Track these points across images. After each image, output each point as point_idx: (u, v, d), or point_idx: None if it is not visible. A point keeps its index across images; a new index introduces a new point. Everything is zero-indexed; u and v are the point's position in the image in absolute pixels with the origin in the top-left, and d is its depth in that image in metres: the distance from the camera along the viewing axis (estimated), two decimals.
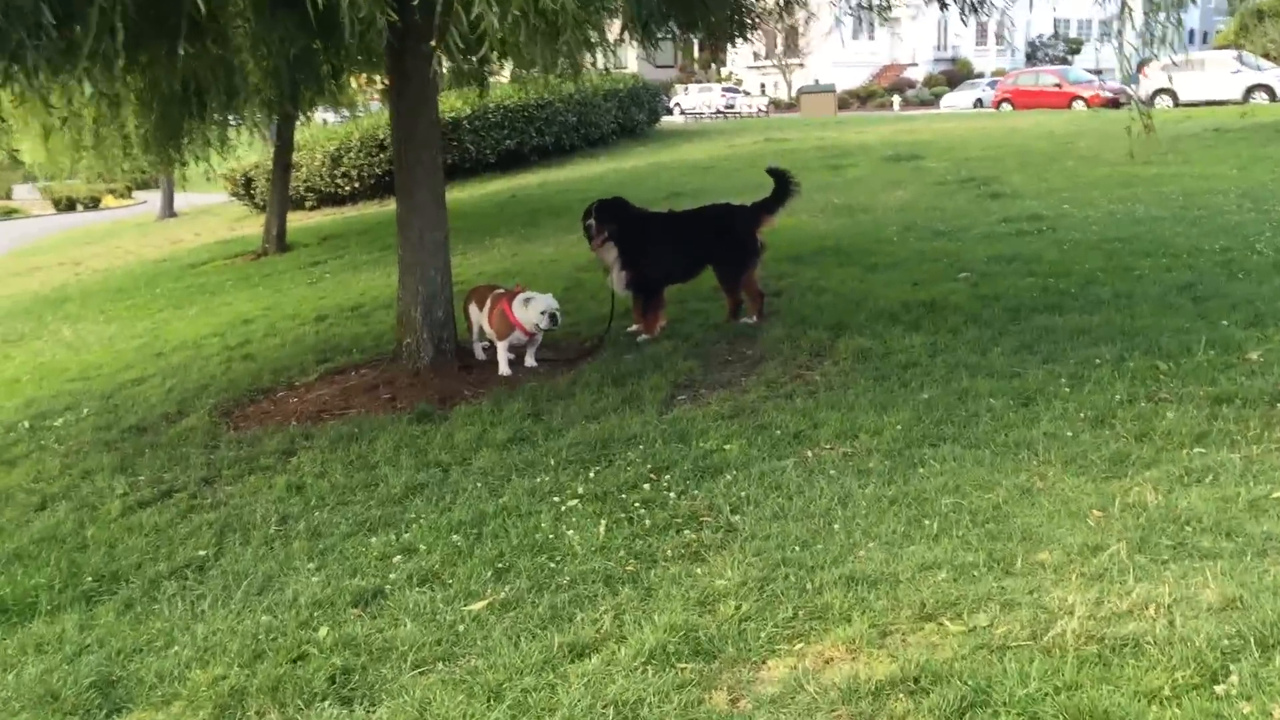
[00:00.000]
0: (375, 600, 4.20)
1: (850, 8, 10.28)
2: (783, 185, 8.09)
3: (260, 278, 15.84)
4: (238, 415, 7.87)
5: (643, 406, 6.30)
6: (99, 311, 15.20)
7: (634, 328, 8.15)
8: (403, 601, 4.13)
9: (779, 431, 5.47)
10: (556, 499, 4.96)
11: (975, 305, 7.56)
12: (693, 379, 6.80)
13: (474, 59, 10.48)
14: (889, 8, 10.63)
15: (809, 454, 5.16)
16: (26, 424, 8.40)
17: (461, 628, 3.87)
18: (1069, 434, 4.95)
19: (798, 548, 4.16)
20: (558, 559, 4.34)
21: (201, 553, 4.97)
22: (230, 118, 15.90)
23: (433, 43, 4.93)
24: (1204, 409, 5.02)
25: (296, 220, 23.36)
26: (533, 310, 7.32)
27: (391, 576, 4.35)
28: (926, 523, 4.22)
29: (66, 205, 46.67)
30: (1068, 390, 5.52)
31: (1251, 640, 3.08)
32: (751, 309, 8.10)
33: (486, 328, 7.69)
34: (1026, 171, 15.73)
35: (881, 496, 4.53)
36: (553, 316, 7.34)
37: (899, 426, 5.31)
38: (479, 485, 5.32)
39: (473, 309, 7.92)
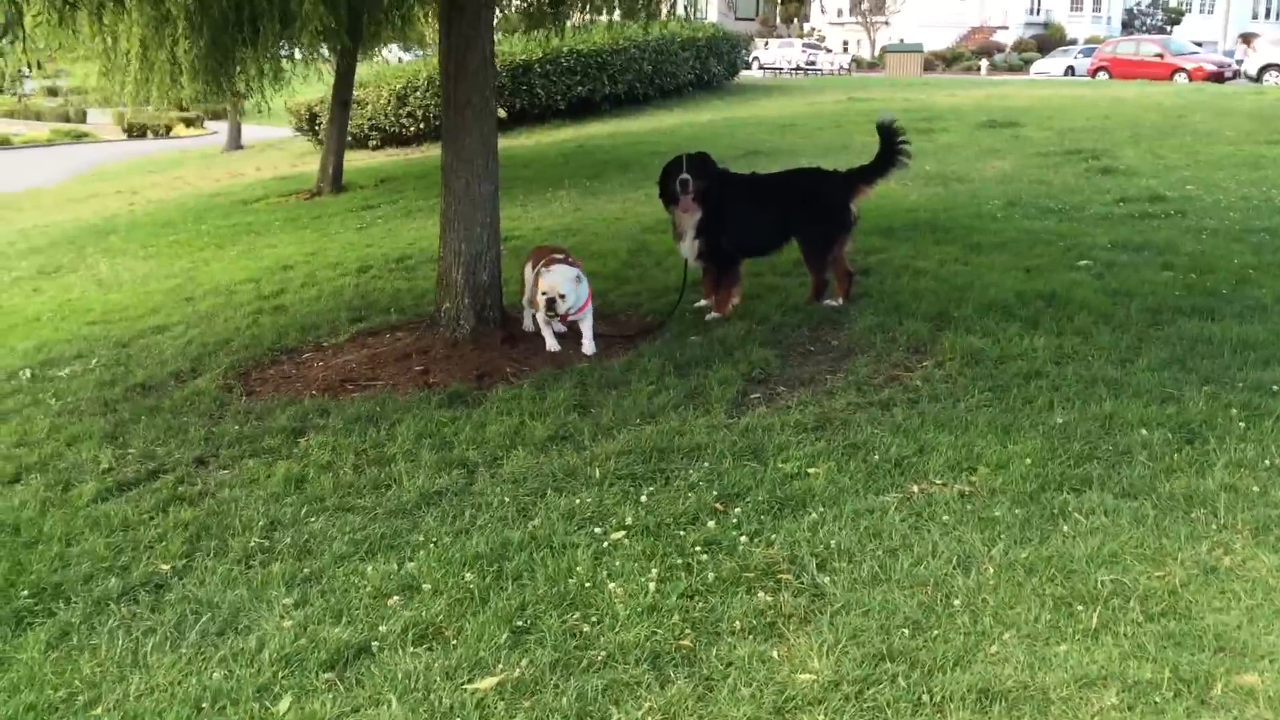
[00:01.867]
0: (358, 661, 3.28)
1: None
2: (890, 149, 7.02)
3: (309, 219, 15.01)
4: (255, 378, 7.02)
5: (709, 405, 5.32)
6: (141, 246, 14.47)
7: (703, 303, 7.14)
8: (391, 668, 3.20)
9: (876, 455, 4.45)
10: (599, 529, 4.00)
11: (1105, 302, 6.43)
12: (769, 373, 5.79)
13: None
14: None
15: (915, 489, 4.14)
16: (28, 373, 7.61)
17: (460, 719, 2.93)
18: (1255, 489, 3.88)
19: (907, 631, 3.16)
20: (594, 620, 3.39)
21: (165, 566, 4.08)
22: (285, 47, 15.08)
23: None
24: None
25: (358, 160, 22.59)
26: (543, 282, 6.36)
27: (383, 628, 3.42)
28: (1080, 609, 3.19)
29: (138, 132, 46.39)
30: (1243, 426, 4.43)
31: None
32: (839, 290, 7.05)
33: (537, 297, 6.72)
34: (1139, 146, 14.36)
35: (1015, 562, 3.51)
36: (550, 301, 6.34)
37: (1028, 460, 4.26)
38: (506, 500, 4.37)
39: (528, 271, 6.94)
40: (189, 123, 47.17)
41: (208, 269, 11.83)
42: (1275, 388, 4.80)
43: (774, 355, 6.01)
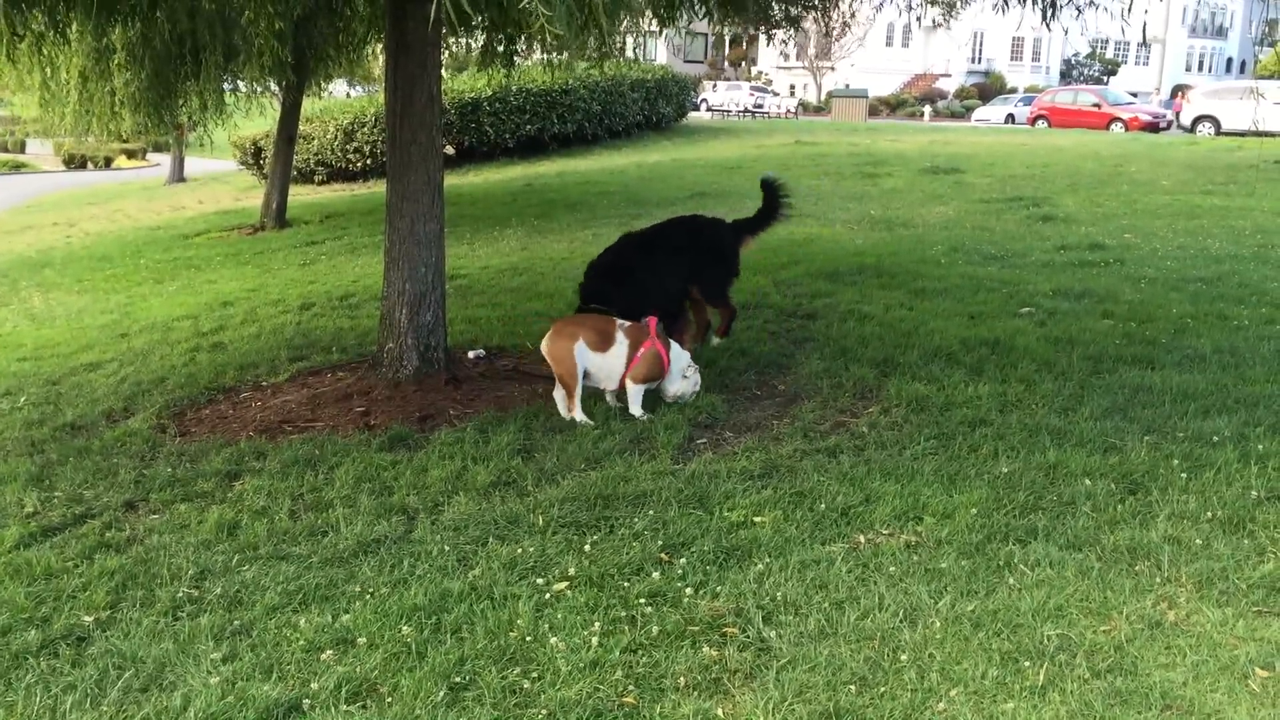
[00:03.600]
0: None
1: (910, 4, 9.21)
2: (773, 203, 7.05)
3: (252, 255, 14.80)
4: (190, 418, 6.85)
5: (655, 451, 5.25)
6: (76, 280, 14.17)
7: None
8: None
9: (823, 504, 4.41)
10: (541, 579, 3.91)
11: (1047, 350, 6.48)
12: (715, 418, 5.75)
13: (489, 32, 9.50)
14: (954, 5, 9.57)
15: (862, 539, 4.10)
16: None
17: None
18: (1198, 541, 3.88)
19: (854, 688, 3.10)
20: (534, 675, 3.29)
21: (88, 619, 3.92)
22: (229, 80, 14.93)
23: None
24: None
25: (303, 195, 22.38)
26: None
27: (315, 685, 3.30)
28: (1026, 665, 3.16)
29: (78, 163, 45.62)
30: (1184, 477, 4.44)
31: None
32: (718, 329, 7.04)
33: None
34: (1078, 194, 14.64)
35: (961, 615, 3.47)
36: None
37: (974, 510, 4.24)
38: (447, 549, 4.26)
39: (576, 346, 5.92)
40: (131, 154, 46.50)
41: (145, 304, 11.59)
42: (1215, 438, 4.84)
43: (720, 400, 5.97)
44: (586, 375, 5.80)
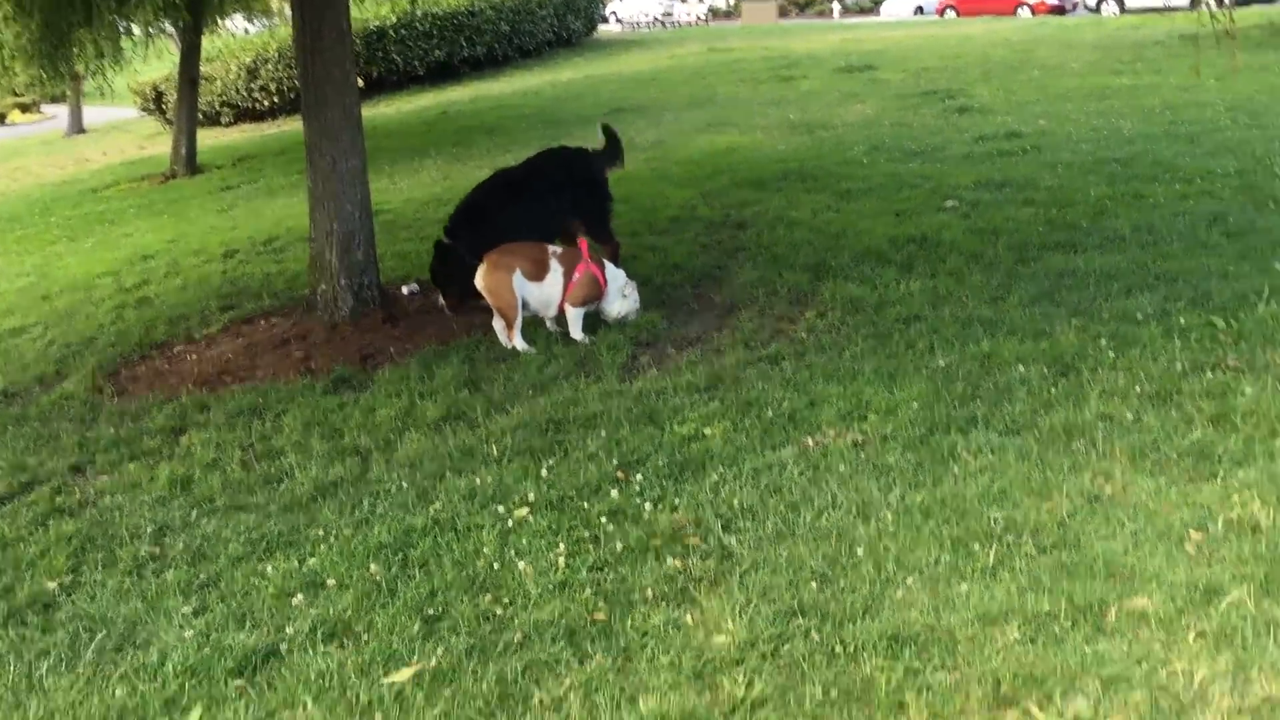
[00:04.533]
0: (267, 665, 3.20)
1: None
2: (615, 144, 7.06)
3: (166, 204, 14.45)
4: (125, 376, 6.76)
5: (600, 372, 5.31)
6: None
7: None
8: (303, 669, 3.14)
9: (770, 411, 4.51)
10: (502, 508, 3.97)
11: (973, 242, 6.62)
12: (656, 334, 5.81)
13: None
14: None
15: (810, 442, 4.21)
16: None
17: (379, 713, 2.90)
18: (1129, 416, 4.04)
19: (815, 585, 3.23)
20: (506, 601, 3.37)
21: (51, 584, 3.92)
22: (124, 25, 14.42)
23: None
24: None
25: (211, 138, 21.78)
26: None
27: (290, 629, 3.35)
28: (976, 548, 3.30)
29: None
30: (1112, 355, 4.61)
31: None
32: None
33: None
34: (991, 83, 14.75)
35: (911, 506, 3.61)
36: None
37: (915, 404, 4.37)
38: (405, 485, 4.31)
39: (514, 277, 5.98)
40: (25, 109, 44.70)
41: (61, 264, 11.30)
42: (1139, 316, 5.01)
43: (660, 316, 6.03)
44: (525, 305, 5.81)
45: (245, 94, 23.75)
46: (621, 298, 5.94)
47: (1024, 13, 35.65)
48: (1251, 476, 3.51)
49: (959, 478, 3.77)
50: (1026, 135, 10.27)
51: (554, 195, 6.66)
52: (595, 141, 7.22)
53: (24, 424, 5.97)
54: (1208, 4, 8.51)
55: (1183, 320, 4.86)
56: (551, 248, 5.95)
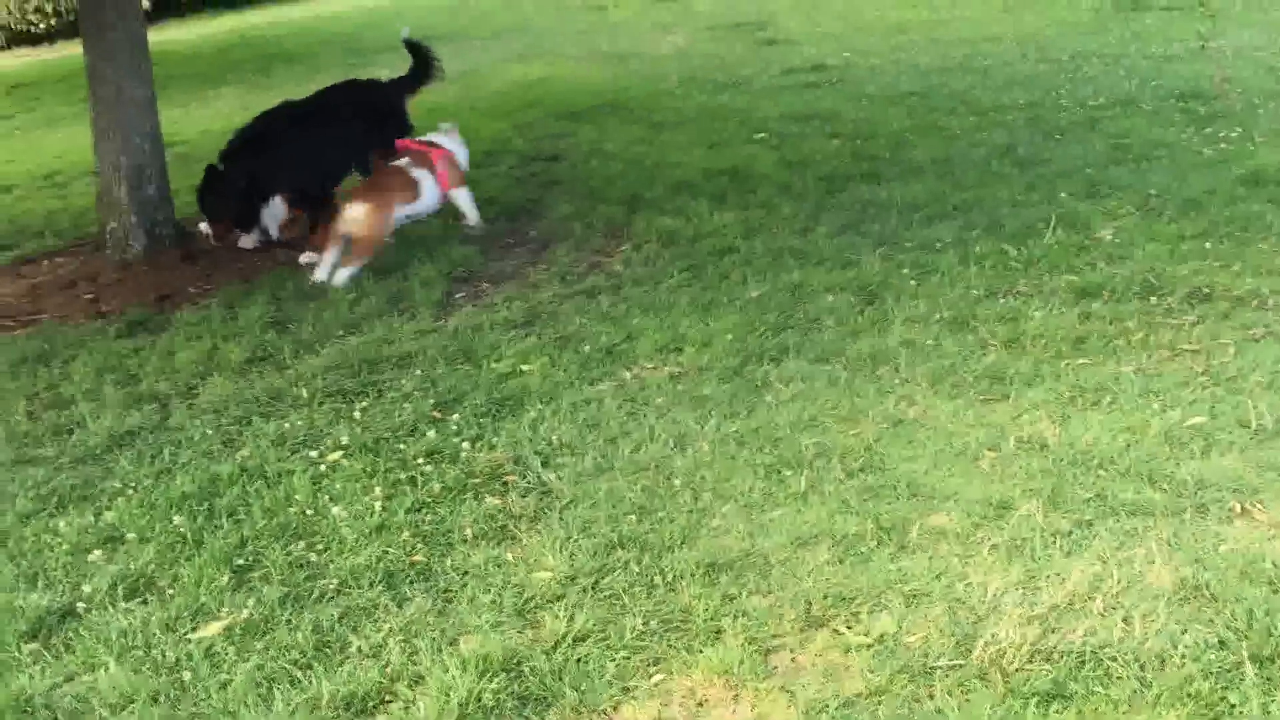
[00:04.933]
0: (63, 626, 3.04)
1: None
2: (425, 63, 7.00)
3: None
4: None
5: (415, 309, 5.20)
6: None
7: (308, 256, 6.08)
8: (103, 628, 2.99)
9: (587, 346, 4.51)
10: (314, 452, 3.86)
11: (784, 174, 6.74)
12: (472, 270, 5.72)
13: None
14: None
15: (628, 376, 4.24)
16: None
17: (188, 671, 2.79)
18: (929, 342, 4.22)
19: (634, 517, 3.26)
20: (320, 548, 3.28)
21: None
22: None
23: None
24: (1072, 306, 4.38)
25: None
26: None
27: (87, 587, 3.18)
28: (789, 474, 3.40)
29: None
30: (914, 284, 4.79)
31: (1244, 653, 2.43)
32: None
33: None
34: (798, 14, 14.95)
35: (727, 436, 3.68)
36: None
37: (730, 336, 4.45)
38: (209, 432, 4.13)
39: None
40: None
41: None
42: (938, 245, 5.22)
43: (474, 251, 5.93)
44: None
45: (19, 15, 21.95)
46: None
47: None
48: (1039, 396, 3.71)
49: (772, 406, 3.86)
50: (831, 68, 10.48)
51: (343, 126, 6.46)
52: (404, 69, 7.02)
53: None
54: None
55: (978, 248, 5.08)
56: (398, 163, 5.95)
